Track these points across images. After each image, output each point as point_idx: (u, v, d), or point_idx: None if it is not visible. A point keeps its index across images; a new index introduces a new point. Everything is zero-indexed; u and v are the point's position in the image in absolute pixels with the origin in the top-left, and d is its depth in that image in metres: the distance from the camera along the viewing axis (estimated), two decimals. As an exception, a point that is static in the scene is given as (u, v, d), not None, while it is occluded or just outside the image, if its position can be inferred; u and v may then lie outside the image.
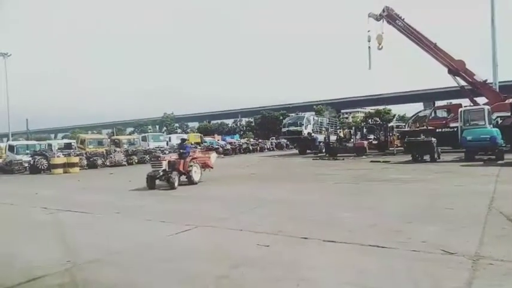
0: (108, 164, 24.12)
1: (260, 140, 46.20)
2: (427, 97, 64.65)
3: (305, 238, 5.21)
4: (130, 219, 7.41)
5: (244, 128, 78.79)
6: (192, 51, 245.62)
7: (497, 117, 21.73)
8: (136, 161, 25.69)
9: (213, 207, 8.25)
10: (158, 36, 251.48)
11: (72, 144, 30.35)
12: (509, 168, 12.84)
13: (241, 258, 4.50)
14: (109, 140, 34.42)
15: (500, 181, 9.98)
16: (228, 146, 36.20)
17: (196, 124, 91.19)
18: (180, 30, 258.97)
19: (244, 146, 38.58)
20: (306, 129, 29.70)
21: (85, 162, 23.39)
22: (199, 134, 47.34)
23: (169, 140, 38.09)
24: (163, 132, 59.83)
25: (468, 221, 5.78)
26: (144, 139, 35.40)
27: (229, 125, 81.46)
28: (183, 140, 14.14)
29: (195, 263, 4.47)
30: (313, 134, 29.62)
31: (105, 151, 25.93)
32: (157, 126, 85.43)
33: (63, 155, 22.57)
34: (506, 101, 22.61)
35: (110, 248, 5.33)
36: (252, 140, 48.94)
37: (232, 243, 5.33)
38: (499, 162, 14.86)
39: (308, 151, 29.82)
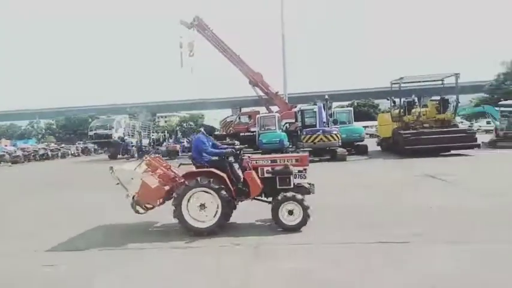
0: None
1: (63, 145, 40.71)
2: (236, 104, 71.17)
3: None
4: None
5: (44, 131, 68.07)
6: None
7: (286, 123, 25.91)
8: None
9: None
10: None
11: None
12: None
13: None
14: None
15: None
16: (19, 153, 30.31)
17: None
18: None
19: (42, 151, 33.14)
20: (116, 132, 27.96)
21: None
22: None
23: None
24: None
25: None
26: None
27: (23, 128, 68.75)
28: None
29: None
30: (124, 138, 28.14)
31: None
32: None
33: None
34: (293, 110, 27.19)
35: None
36: (53, 144, 42.58)
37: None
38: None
39: (119, 156, 28.14)
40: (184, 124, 66.71)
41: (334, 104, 47.35)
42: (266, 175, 5.50)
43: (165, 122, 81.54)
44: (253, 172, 5.46)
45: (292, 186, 5.39)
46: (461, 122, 32.37)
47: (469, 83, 51.62)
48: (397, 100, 18.58)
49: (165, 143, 26.20)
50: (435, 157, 15.23)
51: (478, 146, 16.36)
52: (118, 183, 5.66)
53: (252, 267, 3.98)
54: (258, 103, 44.24)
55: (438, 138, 15.94)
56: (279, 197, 5.18)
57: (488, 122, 33.03)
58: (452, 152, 16.30)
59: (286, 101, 30.75)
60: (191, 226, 5.21)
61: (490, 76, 55.53)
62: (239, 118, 28.60)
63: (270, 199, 5.54)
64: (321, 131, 16.46)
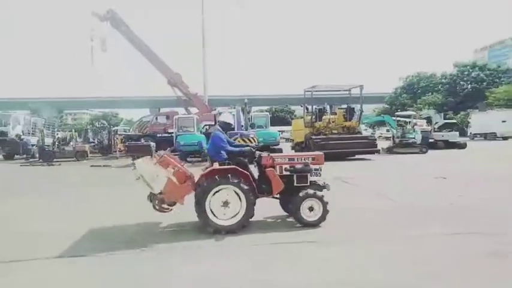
0: None
1: None
2: (154, 104, 68.40)
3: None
4: None
5: None
6: None
7: (205, 125, 25.77)
8: None
9: None
10: None
11: None
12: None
13: None
14: None
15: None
16: None
17: None
18: None
19: None
20: (13, 130, 24.93)
21: None
22: None
23: None
24: None
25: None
26: None
27: None
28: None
29: None
30: (23, 136, 25.22)
31: None
32: None
33: None
34: (212, 112, 27.15)
35: None
36: None
37: None
38: (204, 163, 17.57)
39: (17, 156, 25.14)
40: (97, 123, 62.10)
41: (254, 108, 48.58)
42: (284, 173, 5.54)
43: (74, 119, 75.16)
44: (274, 170, 5.50)
45: (308, 183, 5.51)
46: (366, 130, 35.71)
47: (373, 94, 57.16)
48: (309, 107, 19.73)
49: (72, 143, 24.08)
50: (342, 161, 16.49)
51: (378, 151, 18.17)
52: (138, 179, 5.21)
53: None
54: (178, 103, 43.36)
55: (344, 144, 17.31)
56: (301, 194, 5.30)
57: (387, 130, 36.93)
58: (357, 156, 17.84)
59: (206, 103, 30.56)
60: (215, 224, 5.08)
61: (391, 89, 62.37)
62: (156, 118, 27.64)
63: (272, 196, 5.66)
64: (238, 134, 16.70)
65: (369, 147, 17.69)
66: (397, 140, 21.93)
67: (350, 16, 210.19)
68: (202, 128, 24.40)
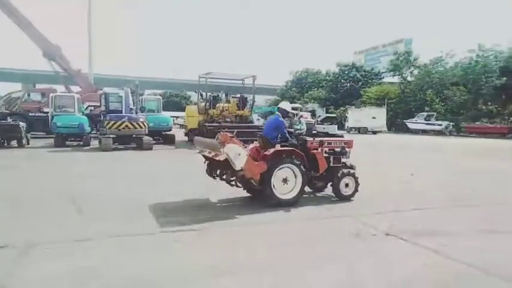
0: None
1: None
2: (28, 78, 59.70)
3: None
4: None
5: None
6: None
7: (89, 106, 23.54)
8: None
9: None
10: None
11: None
12: (94, 153, 14.12)
13: None
14: None
15: (87, 163, 10.71)
16: None
17: None
18: None
19: None
20: None
21: None
22: None
23: None
24: None
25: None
26: None
27: None
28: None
29: None
30: None
31: None
32: None
33: None
34: (98, 92, 24.91)
35: None
36: None
37: None
38: (86, 147, 16.04)
39: None
40: None
41: (147, 91, 46.08)
42: (324, 155, 6.38)
43: None
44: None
45: (341, 164, 6.46)
46: (258, 119, 37.02)
47: (266, 86, 59.80)
48: (204, 94, 19.57)
49: None
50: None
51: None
52: (199, 152, 6.56)
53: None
54: (58, 80, 38.64)
55: (237, 132, 17.66)
56: (340, 173, 6.29)
57: (278, 121, 38.96)
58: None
59: (92, 81, 27.95)
60: (278, 198, 5.74)
61: (282, 82, 66.02)
62: (28, 95, 24.21)
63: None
64: (126, 118, 15.67)
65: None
66: (285, 131, 23.27)
67: (248, 11, 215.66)
68: (86, 108, 22.31)
